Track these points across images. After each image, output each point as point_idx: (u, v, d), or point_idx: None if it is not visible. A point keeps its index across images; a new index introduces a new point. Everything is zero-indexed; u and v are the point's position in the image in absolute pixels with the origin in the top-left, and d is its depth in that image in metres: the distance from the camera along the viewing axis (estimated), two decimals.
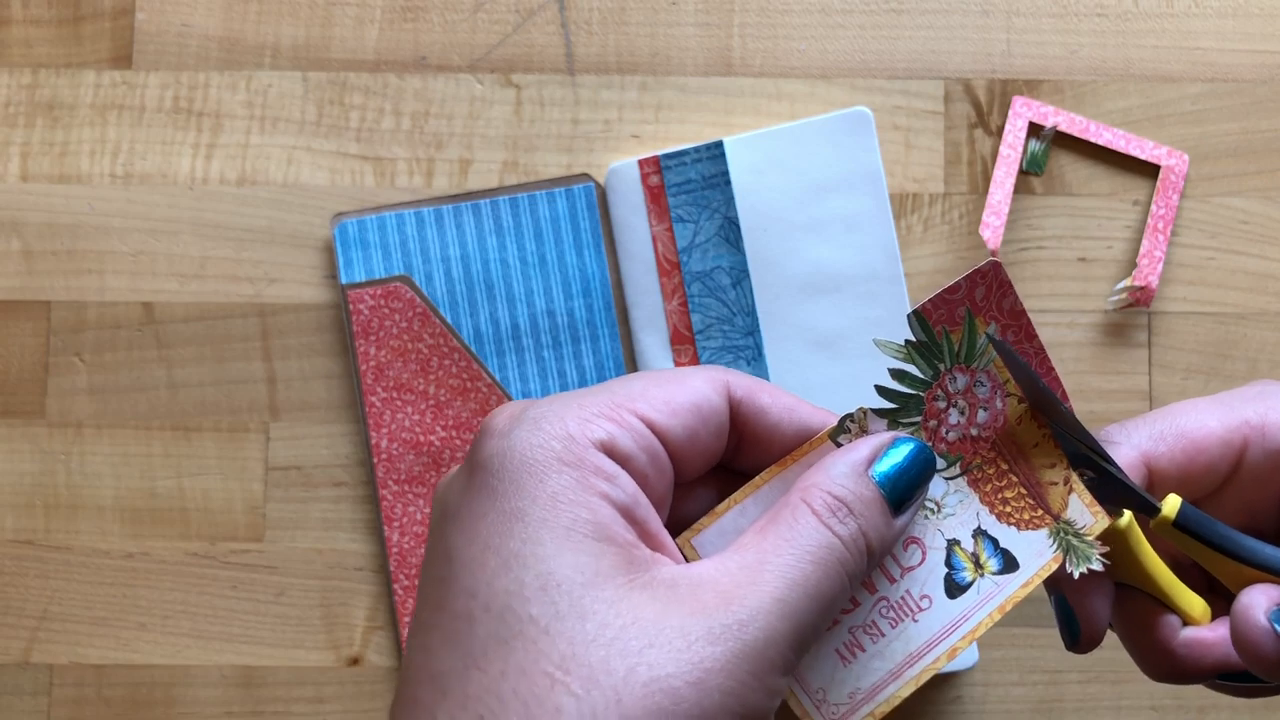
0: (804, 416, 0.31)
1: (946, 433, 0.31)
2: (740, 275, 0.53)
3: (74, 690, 0.54)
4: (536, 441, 0.27)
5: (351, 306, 0.53)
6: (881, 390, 0.31)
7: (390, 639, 0.53)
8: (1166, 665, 0.32)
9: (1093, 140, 0.54)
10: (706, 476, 0.30)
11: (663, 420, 0.28)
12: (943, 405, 0.31)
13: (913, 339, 0.31)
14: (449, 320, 0.54)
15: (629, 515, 0.27)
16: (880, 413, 0.31)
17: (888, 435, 0.30)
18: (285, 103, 0.55)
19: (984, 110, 0.54)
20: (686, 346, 0.53)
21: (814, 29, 0.55)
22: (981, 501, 0.31)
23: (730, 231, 0.53)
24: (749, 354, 0.53)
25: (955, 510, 0.31)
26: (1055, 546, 0.30)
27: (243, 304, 0.54)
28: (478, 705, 0.25)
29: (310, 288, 0.54)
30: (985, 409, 0.31)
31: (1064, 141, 0.54)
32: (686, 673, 0.24)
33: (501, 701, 0.25)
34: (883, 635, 0.30)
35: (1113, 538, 0.31)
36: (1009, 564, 0.30)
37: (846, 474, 0.29)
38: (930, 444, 0.31)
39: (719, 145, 0.53)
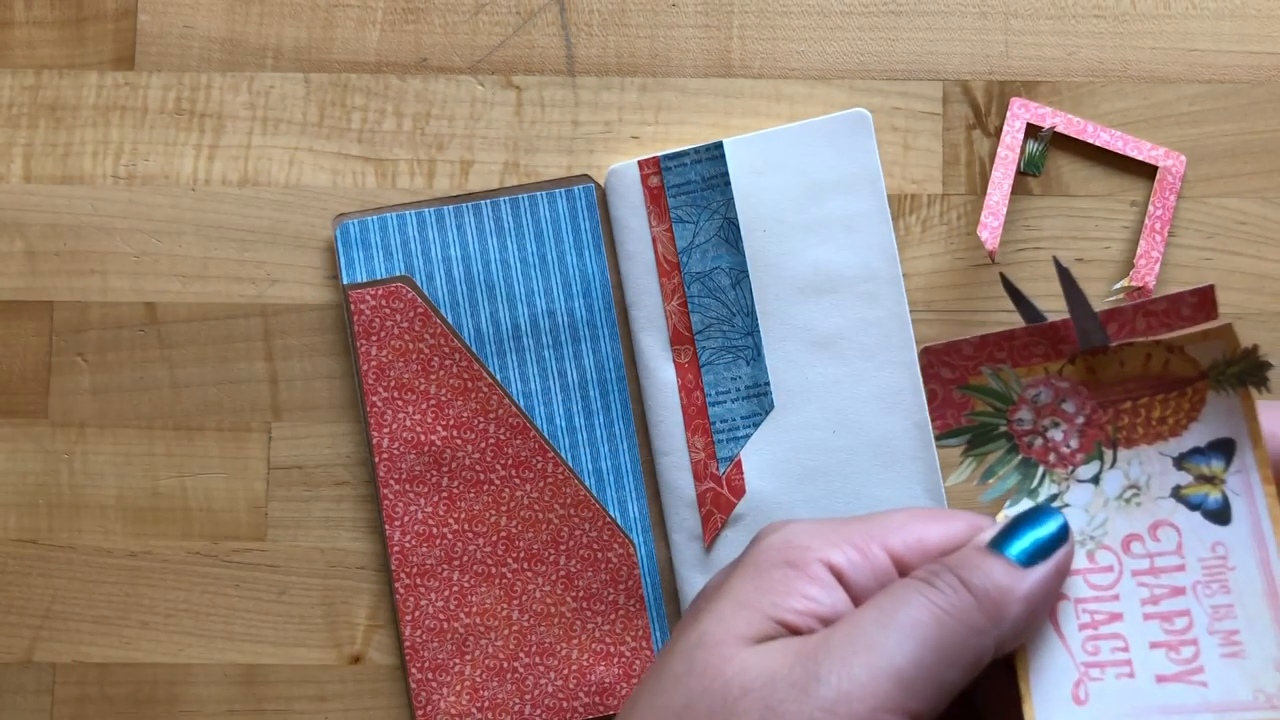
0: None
1: (1067, 446, 0.30)
2: (740, 276, 0.53)
3: (77, 689, 0.54)
4: (779, 545, 0.29)
5: (353, 307, 0.53)
6: (995, 499, 0.30)
7: (392, 637, 0.54)
8: None
9: (1090, 141, 0.54)
10: None
11: (908, 556, 0.29)
12: (1040, 442, 0.30)
13: (961, 445, 0.30)
14: (450, 320, 0.54)
15: (824, 621, 0.28)
16: (1015, 503, 0.30)
17: (1010, 519, 0.29)
18: (287, 104, 0.55)
19: (982, 111, 0.55)
20: (686, 346, 0.53)
21: (813, 31, 0.55)
22: (1150, 444, 0.29)
23: (730, 232, 0.53)
24: (748, 354, 0.53)
25: (1148, 473, 0.29)
26: (1231, 391, 0.29)
27: (245, 304, 0.55)
28: None
29: (312, 288, 0.55)
30: (1064, 400, 0.30)
31: (1062, 142, 0.54)
32: (764, 716, 0.26)
33: None
34: (1234, 605, 0.28)
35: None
36: (1226, 448, 0.29)
37: (959, 552, 0.29)
38: (1070, 467, 0.30)
39: (719, 146, 0.53)
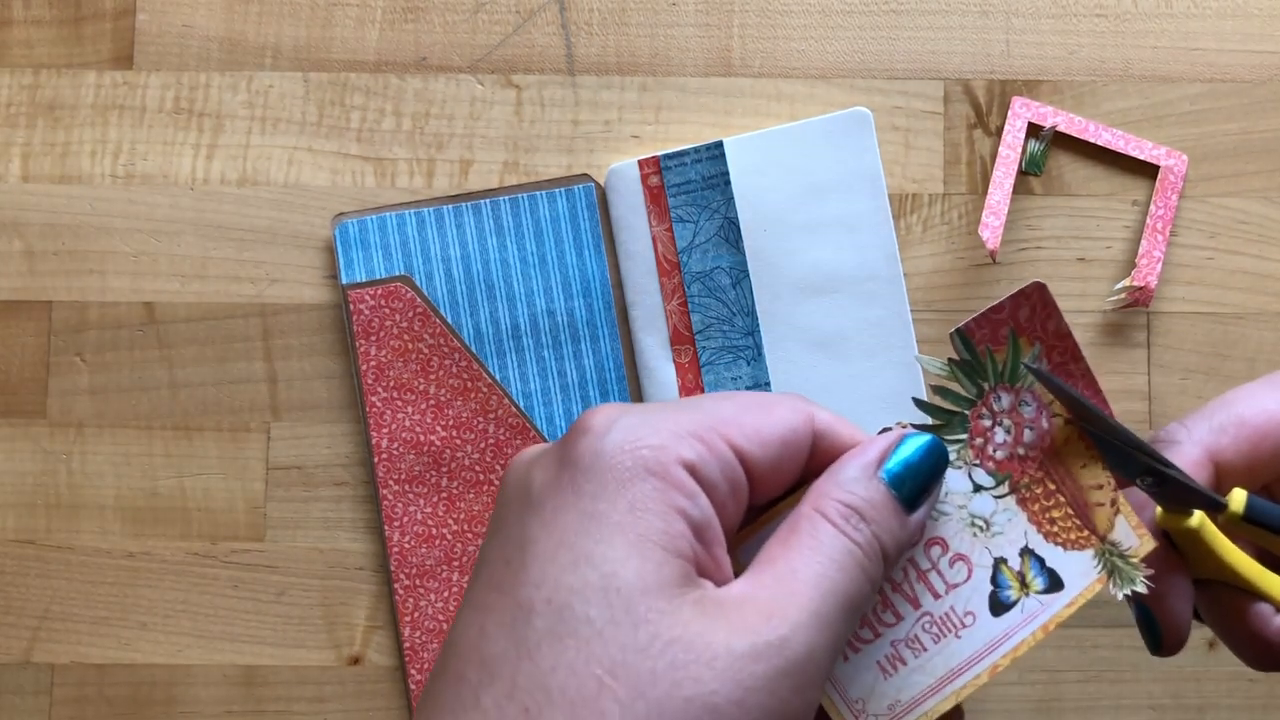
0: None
1: (994, 451, 0.31)
2: (740, 275, 0.53)
3: (75, 690, 0.54)
4: (628, 448, 0.27)
5: (352, 306, 0.53)
6: (922, 405, 0.32)
7: (391, 638, 0.54)
8: (1266, 653, 0.32)
9: (1092, 141, 0.54)
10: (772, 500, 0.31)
11: (751, 449, 0.29)
12: (988, 424, 0.31)
13: (955, 357, 0.31)
14: (449, 320, 0.54)
15: (699, 534, 0.27)
16: (921, 428, 0.31)
17: (896, 433, 0.30)
18: (286, 103, 0.55)
19: (983, 111, 0.55)
20: (686, 346, 0.53)
21: (813, 30, 0.55)
22: (1029, 520, 0.31)
23: (730, 232, 0.53)
24: (748, 354, 0.53)
25: (1003, 528, 0.31)
26: (1100, 567, 0.31)
27: (244, 304, 0.55)
28: (524, 696, 0.25)
29: (311, 288, 0.55)
30: (1031, 428, 0.31)
31: (1063, 142, 0.54)
32: (729, 690, 0.25)
33: (548, 696, 0.25)
34: (925, 650, 0.30)
35: (1187, 537, 0.31)
36: (1054, 583, 0.31)
37: (856, 478, 0.29)
38: (977, 462, 0.31)
39: (719, 146, 0.53)
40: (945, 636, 0.30)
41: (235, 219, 0.55)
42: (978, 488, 0.31)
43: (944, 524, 0.31)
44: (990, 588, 0.31)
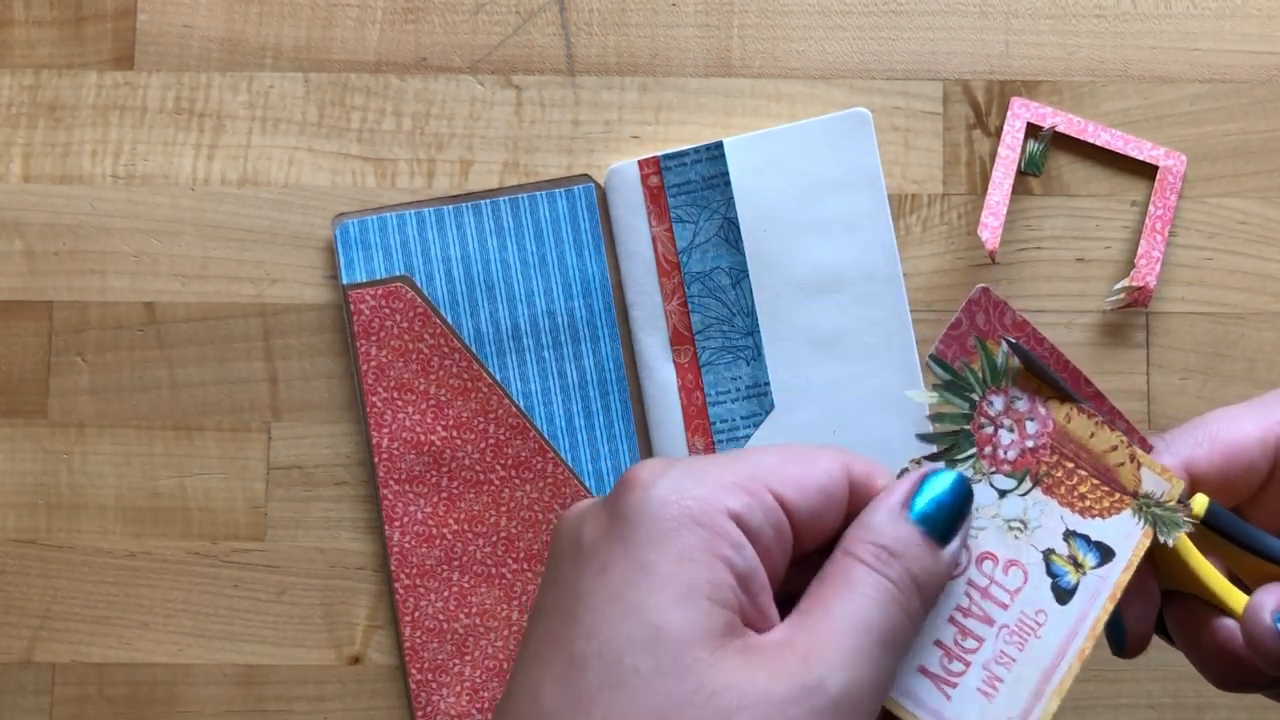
0: None
1: (1005, 453, 0.32)
2: (740, 275, 0.53)
3: (76, 689, 0.54)
4: (674, 499, 0.28)
5: (353, 307, 0.53)
6: (926, 437, 0.32)
7: (391, 638, 0.54)
8: (1228, 670, 0.33)
9: (1091, 141, 0.54)
10: (817, 552, 0.32)
11: (794, 498, 0.29)
12: (990, 430, 0.32)
13: (938, 382, 0.32)
14: (449, 320, 0.54)
15: (744, 583, 0.28)
16: (933, 457, 0.32)
17: (917, 473, 0.31)
18: (286, 104, 0.55)
19: (982, 111, 0.55)
20: (686, 346, 0.53)
21: (813, 30, 0.55)
22: (1061, 504, 0.32)
23: (730, 232, 0.53)
24: (748, 354, 0.53)
25: (1040, 521, 0.32)
26: (1142, 523, 0.31)
27: (244, 304, 0.55)
28: None
29: (311, 288, 0.55)
30: (1031, 419, 0.32)
31: (1062, 142, 0.54)
32: None
33: None
34: (1014, 660, 0.31)
35: (1160, 545, 0.32)
36: (1105, 554, 0.31)
37: (884, 520, 0.30)
38: (993, 469, 0.32)
39: (719, 146, 0.53)
40: (1027, 641, 0.31)
41: (236, 219, 0.55)
42: (1003, 493, 0.32)
43: (985, 537, 0.32)
44: (1049, 580, 0.31)
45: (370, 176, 0.55)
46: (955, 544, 0.30)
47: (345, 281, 0.53)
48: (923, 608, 0.30)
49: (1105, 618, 0.31)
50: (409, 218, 0.54)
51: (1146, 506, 0.32)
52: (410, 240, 0.54)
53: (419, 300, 0.54)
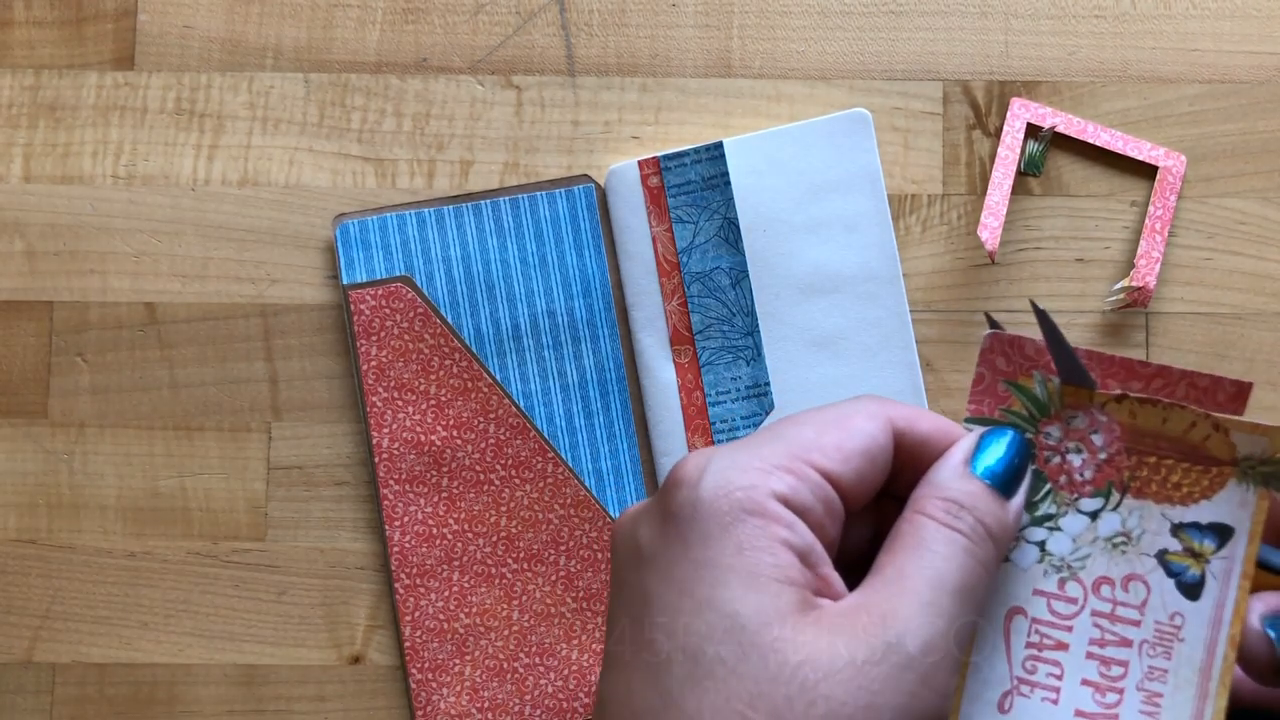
0: (959, 437, 0.32)
1: (1081, 475, 0.31)
2: (739, 275, 0.53)
3: (76, 689, 0.54)
4: (722, 493, 0.29)
5: (353, 307, 0.53)
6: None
7: (391, 638, 0.54)
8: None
9: (1090, 141, 0.54)
10: (867, 505, 0.32)
11: (837, 469, 0.30)
12: (1058, 460, 0.31)
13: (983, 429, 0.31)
14: (450, 320, 0.54)
15: (805, 559, 0.29)
16: (988, 422, 0.31)
17: (976, 433, 0.31)
18: (287, 104, 0.55)
19: (982, 111, 0.55)
20: (686, 346, 0.53)
21: (813, 31, 0.55)
22: (1157, 503, 0.30)
23: (730, 232, 0.53)
24: (748, 354, 0.53)
25: (1143, 527, 0.31)
26: (1251, 487, 0.30)
27: (245, 304, 0.55)
28: None
29: (312, 288, 0.55)
30: (1095, 431, 0.31)
31: (1062, 143, 0.54)
32: (857, 697, 0.27)
33: None
34: (1167, 671, 0.30)
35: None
36: (1223, 534, 0.30)
37: (950, 477, 0.30)
38: (1075, 495, 0.31)
39: (719, 146, 0.53)
40: (1173, 647, 0.30)
41: (236, 219, 0.55)
42: (1093, 514, 0.31)
43: (1092, 564, 0.31)
44: (1172, 580, 0.30)
45: (370, 177, 0.55)
46: (1019, 498, 0.31)
47: (345, 281, 0.54)
48: (997, 556, 0.30)
49: (1245, 598, 0.29)
50: (409, 218, 0.54)
51: (1251, 469, 0.30)
52: (410, 240, 0.54)
53: (419, 300, 0.54)
